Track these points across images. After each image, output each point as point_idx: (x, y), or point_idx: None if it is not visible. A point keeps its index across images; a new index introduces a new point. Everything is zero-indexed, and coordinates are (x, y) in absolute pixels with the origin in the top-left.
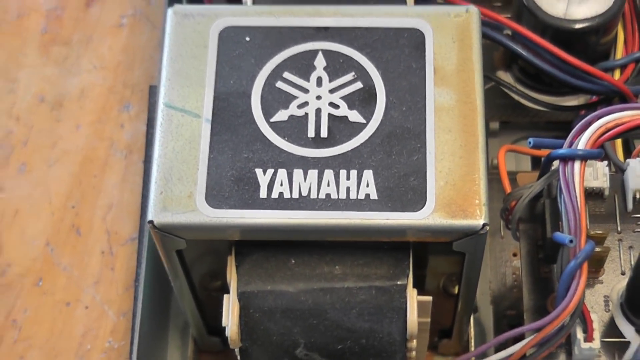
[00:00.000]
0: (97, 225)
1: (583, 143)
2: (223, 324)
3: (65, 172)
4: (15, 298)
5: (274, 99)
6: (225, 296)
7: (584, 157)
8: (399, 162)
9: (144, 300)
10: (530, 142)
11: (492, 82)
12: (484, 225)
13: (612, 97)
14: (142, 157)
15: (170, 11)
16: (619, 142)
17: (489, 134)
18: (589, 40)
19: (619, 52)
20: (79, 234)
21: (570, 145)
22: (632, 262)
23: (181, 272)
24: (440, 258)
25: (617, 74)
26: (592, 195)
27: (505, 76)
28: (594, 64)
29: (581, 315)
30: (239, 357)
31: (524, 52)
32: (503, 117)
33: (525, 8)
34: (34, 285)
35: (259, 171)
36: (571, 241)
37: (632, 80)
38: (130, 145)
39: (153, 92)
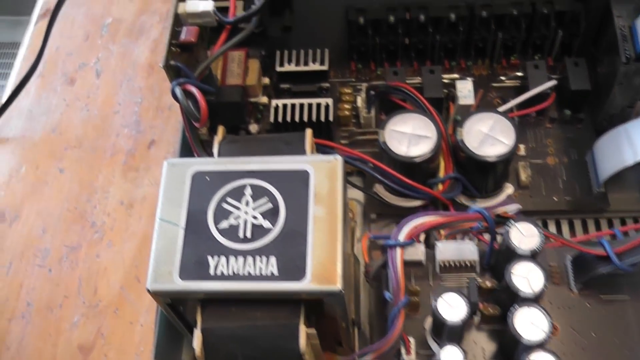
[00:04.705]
0: None
1: (402, 236)
2: (193, 346)
3: (133, 246)
4: (102, 320)
5: (220, 214)
6: (195, 330)
7: (401, 246)
8: (291, 252)
9: (161, 321)
10: (372, 237)
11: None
12: (340, 290)
13: (435, 202)
14: None
15: (165, 162)
16: None
17: (371, 221)
18: (423, 167)
19: (441, 172)
20: (139, 281)
21: (395, 238)
22: None
23: (172, 314)
24: (327, 305)
25: (440, 186)
26: (414, 263)
27: (379, 189)
28: (427, 180)
29: (402, 340)
30: None
31: (379, 177)
32: (378, 211)
33: (383, 150)
34: (113, 312)
35: (209, 257)
36: (391, 299)
37: (448, 189)
38: None
39: None
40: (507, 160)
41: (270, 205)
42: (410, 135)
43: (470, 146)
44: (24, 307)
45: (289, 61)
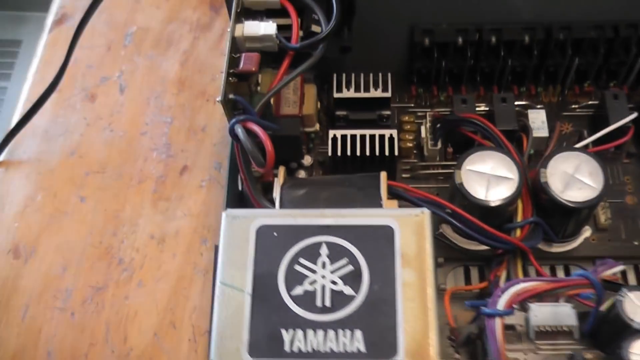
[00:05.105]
0: (186, 322)
1: (501, 304)
2: None
3: (166, 287)
4: None
5: (293, 278)
6: None
7: (501, 315)
8: (379, 324)
9: None
10: (467, 304)
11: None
12: None
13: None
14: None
15: (224, 214)
16: None
17: (437, 265)
18: (501, 211)
19: (519, 216)
20: (174, 327)
21: (494, 306)
22: None
23: None
24: None
25: (518, 232)
26: (508, 327)
27: (446, 230)
28: (502, 224)
29: None
30: None
31: (456, 223)
32: (445, 254)
33: (459, 192)
34: None
35: (283, 331)
36: None
37: (527, 235)
38: (207, 267)
39: (217, 250)
40: (595, 206)
41: (350, 267)
42: (490, 176)
43: (556, 189)
44: (44, 357)
45: (348, 86)
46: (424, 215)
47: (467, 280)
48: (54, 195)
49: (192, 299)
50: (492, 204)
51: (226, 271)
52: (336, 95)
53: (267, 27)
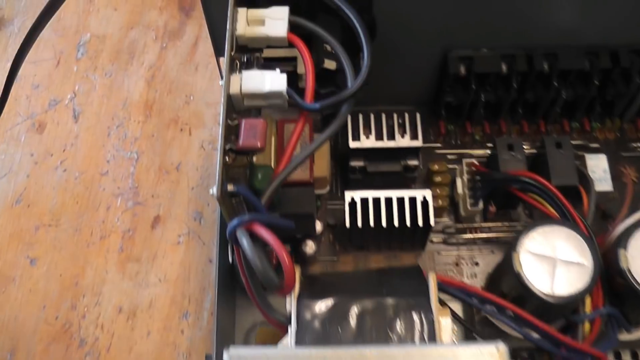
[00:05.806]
0: None
1: None
2: None
3: None
4: None
5: None
6: None
7: None
8: None
9: None
10: None
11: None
12: None
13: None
14: (199, 359)
15: (226, 355)
16: None
17: None
18: (568, 306)
19: (588, 305)
20: None
21: None
22: None
23: None
24: None
25: (587, 326)
26: None
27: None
28: (566, 314)
29: None
30: None
31: (517, 328)
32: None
33: (519, 282)
34: None
35: None
36: None
37: (599, 331)
38: (190, 349)
39: (209, 358)
40: None
41: None
42: (557, 261)
43: (639, 277)
44: None
45: (366, 132)
46: (499, 353)
47: None
48: None
49: None
50: (561, 301)
51: None
52: (352, 145)
53: (274, 81)
